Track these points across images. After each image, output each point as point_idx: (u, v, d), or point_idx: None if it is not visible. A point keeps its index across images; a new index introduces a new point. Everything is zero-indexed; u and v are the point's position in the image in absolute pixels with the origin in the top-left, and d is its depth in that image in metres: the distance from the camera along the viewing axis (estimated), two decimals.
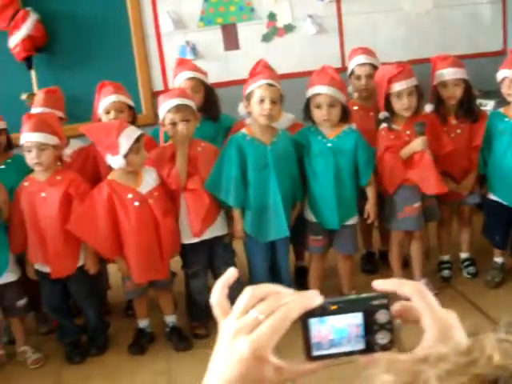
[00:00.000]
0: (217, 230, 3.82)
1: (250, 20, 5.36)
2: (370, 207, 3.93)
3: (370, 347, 0.87)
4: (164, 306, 3.92)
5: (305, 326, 0.86)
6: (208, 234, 3.78)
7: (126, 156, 3.45)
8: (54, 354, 3.94)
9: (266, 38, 5.39)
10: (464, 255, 4.42)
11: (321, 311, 0.85)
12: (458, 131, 4.07)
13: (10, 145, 4.02)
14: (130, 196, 3.56)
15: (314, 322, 0.86)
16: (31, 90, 5.14)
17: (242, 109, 3.87)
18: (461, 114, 4.05)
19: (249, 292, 0.86)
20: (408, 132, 3.87)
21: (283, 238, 3.81)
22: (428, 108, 4.13)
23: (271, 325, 0.82)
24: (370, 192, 3.93)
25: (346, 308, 0.86)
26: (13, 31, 4.99)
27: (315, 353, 0.87)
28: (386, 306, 0.86)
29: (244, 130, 3.78)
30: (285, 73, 4.37)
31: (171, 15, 5.21)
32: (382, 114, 3.90)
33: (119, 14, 5.20)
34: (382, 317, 0.86)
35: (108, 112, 3.91)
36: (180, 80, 4.15)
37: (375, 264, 4.59)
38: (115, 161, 3.47)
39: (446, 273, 4.32)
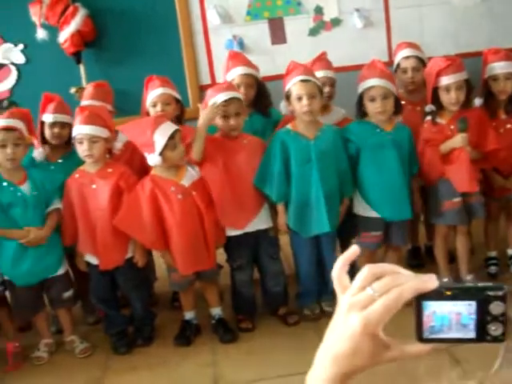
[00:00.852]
0: (261, 223, 3.83)
1: (296, 14, 5.35)
2: (417, 197, 3.97)
3: (481, 337, 0.87)
4: (210, 298, 3.94)
5: (418, 308, 0.87)
6: (252, 227, 3.79)
7: (161, 153, 3.48)
8: (101, 344, 4.00)
9: (313, 32, 5.37)
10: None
11: (436, 295, 0.86)
12: (508, 126, 4.01)
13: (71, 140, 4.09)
14: (172, 189, 3.59)
15: (427, 305, 0.87)
16: (80, 84, 5.23)
17: (283, 107, 3.88)
18: (511, 109, 3.99)
19: (367, 270, 0.88)
20: (452, 127, 3.83)
21: (328, 232, 3.79)
22: (477, 102, 4.07)
23: (384, 303, 0.84)
24: (416, 183, 3.98)
25: (460, 295, 0.87)
26: (62, 26, 5.07)
27: (426, 335, 0.88)
28: (502, 298, 0.86)
29: (288, 126, 3.79)
30: None
31: (218, 9, 5.23)
32: (429, 107, 3.87)
33: (167, 9, 5.24)
34: (496, 308, 0.86)
35: (155, 105, 3.95)
36: (233, 75, 4.13)
37: (421, 259, 4.56)
38: (152, 158, 3.50)
39: (492, 269, 4.26)
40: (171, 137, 3.48)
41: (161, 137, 3.45)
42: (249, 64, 4.18)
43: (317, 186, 3.69)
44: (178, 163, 3.62)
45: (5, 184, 3.66)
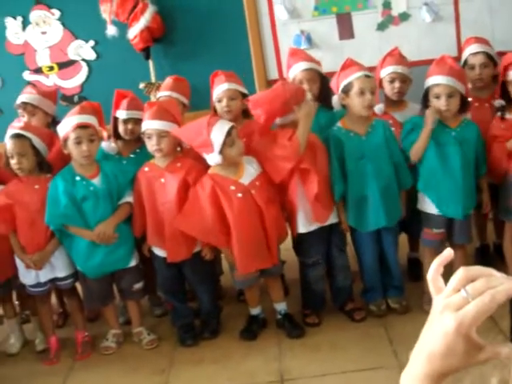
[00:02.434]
0: (333, 216, 3.81)
1: (364, 9, 5.31)
2: (486, 197, 3.90)
3: None
4: (274, 294, 3.94)
5: None
6: (327, 221, 3.78)
7: (221, 151, 3.49)
8: (167, 336, 4.05)
9: (381, 27, 5.32)
10: None
11: None
12: None
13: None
14: (232, 188, 3.59)
15: None
16: (149, 80, 5.32)
17: (336, 102, 3.85)
18: None
19: (461, 272, 0.90)
20: None
21: (388, 227, 3.78)
22: None
23: (477, 305, 0.85)
24: (485, 182, 3.92)
25: None
26: (132, 23, 5.16)
27: None
28: None
29: (339, 124, 3.79)
30: None
31: (286, 4, 5.24)
32: (498, 102, 3.80)
33: (235, 4, 5.27)
34: None
35: (220, 100, 3.97)
36: (295, 71, 4.10)
37: (490, 257, 4.47)
38: (212, 158, 3.52)
39: None
40: (228, 134, 3.48)
41: (218, 135, 3.46)
42: (310, 59, 4.14)
43: (372, 181, 3.69)
44: (237, 160, 3.61)
45: (78, 178, 3.73)
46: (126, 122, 4.01)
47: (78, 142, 3.65)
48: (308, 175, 3.64)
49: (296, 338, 3.79)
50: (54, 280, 3.93)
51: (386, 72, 4.05)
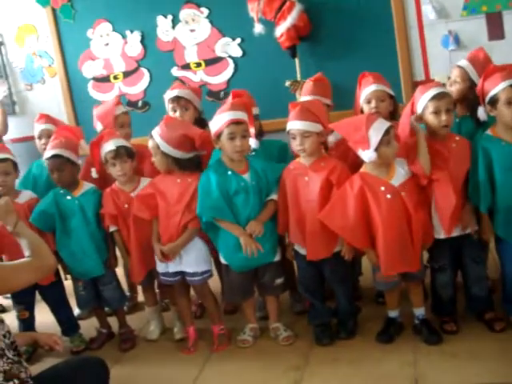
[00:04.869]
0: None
1: None
2: None
3: None
4: (414, 299, 3.88)
5: None
6: (456, 232, 3.70)
7: (377, 149, 3.47)
8: (304, 333, 4.08)
9: None
10: None
11: None
12: None
13: (261, 132, 4.25)
14: (382, 189, 3.56)
15: None
16: (294, 78, 5.38)
17: (482, 113, 3.73)
18: None
19: None
20: None
21: None
22: None
23: None
24: None
25: None
26: (279, 21, 5.25)
27: None
28: None
29: (488, 131, 3.67)
30: None
31: (434, 4, 5.17)
32: None
33: (382, 4, 5.27)
34: None
35: (369, 101, 3.96)
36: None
37: None
38: (366, 155, 3.49)
39: None
40: (386, 132, 3.47)
41: (376, 132, 3.45)
42: (470, 58, 4.06)
43: None
44: (391, 160, 3.59)
45: (230, 173, 3.82)
46: None
47: (232, 138, 3.75)
48: (441, 186, 3.59)
49: (433, 344, 3.72)
50: (182, 273, 4.05)
51: None
